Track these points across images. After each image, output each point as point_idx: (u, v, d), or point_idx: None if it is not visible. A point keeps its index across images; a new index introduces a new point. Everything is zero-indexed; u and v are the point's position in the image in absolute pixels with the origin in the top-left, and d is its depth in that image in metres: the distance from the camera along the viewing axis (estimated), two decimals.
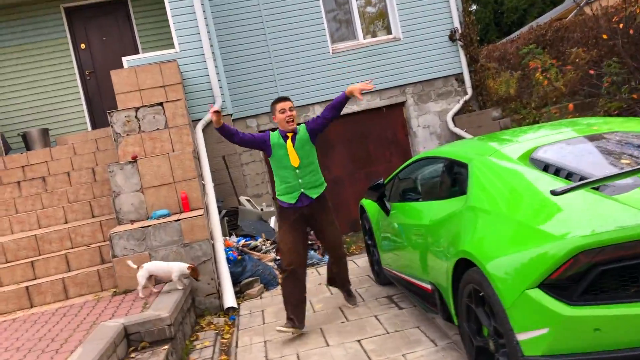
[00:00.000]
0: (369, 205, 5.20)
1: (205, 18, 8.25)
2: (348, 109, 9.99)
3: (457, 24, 10.42)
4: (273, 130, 4.53)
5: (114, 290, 5.32)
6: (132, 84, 7.43)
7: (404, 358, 3.54)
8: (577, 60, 9.98)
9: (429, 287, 3.59)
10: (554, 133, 3.50)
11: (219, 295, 5.37)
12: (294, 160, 4.28)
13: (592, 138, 3.20)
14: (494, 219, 2.73)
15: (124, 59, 8.09)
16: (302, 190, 4.31)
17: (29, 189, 7.35)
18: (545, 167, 2.91)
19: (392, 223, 4.41)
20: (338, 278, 4.76)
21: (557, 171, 2.82)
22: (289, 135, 4.34)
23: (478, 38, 10.99)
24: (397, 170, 4.78)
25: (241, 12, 9.60)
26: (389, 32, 10.52)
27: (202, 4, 8.27)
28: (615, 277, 2.13)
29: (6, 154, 8.53)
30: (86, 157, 7.78)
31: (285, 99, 4.39)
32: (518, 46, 12.67)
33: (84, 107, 9.61)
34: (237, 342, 4.45)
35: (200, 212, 5.58)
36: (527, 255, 2.32)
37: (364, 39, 10.40)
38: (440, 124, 10.57)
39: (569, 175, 2.75)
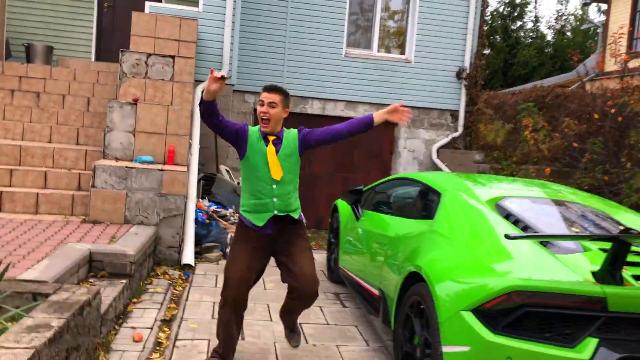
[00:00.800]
0: (342, 206, 5.51)
1: None
2: (344, 113, 10.30)
3: (467, 64, 10.81)
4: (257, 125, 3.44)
5: (84, 217, 5.52)
6: (150, 30, 7.59)
7: (337, 349, 3.86)
8: (566, 129, 10.46)
9: (376, 292, 3.91)
10: (524, 188, 3.86)
11: (179, 250, 5.61)
12: (276, 173, 3.26)
13: (554, 202, 3.56)
14: (451, 246, 3.07)
15: (147, 3, 8.24)
16: (275, 212, 3.31)
17: (21, 99, 7.46)
18: (507, 215, 3.26)
19: (358, 228, 4.73)
20: (292, 316, 3.64)
21: (516, 221, 3.16)
22: (270, 138, 3.30)
23: (483, 82, 11.43)
24: (377, 182, 5.10)
25: None
26: (403, 52, 10.85)
27: None
28: (536, 319, 2.48)
29: (6, 60, 8.59)
30: (85, 85, 7.92)
31: (271, 89, 3.27)
32: (517, 100, 13.17)
33: (94, 36, 9.69)
34: (187, 296, 4.71)
35: (184, 168, 5.82)
36: (470, 283, 2.65)
37: (378, 51, 10.71)
38: (424, 152, 10.95)
39: (525, 228, 3.10)
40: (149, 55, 6.92)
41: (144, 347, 3.60)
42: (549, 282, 2.47)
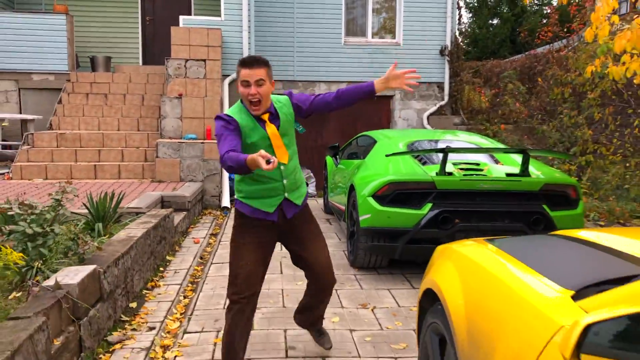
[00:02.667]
0: (329, 160, 7.78)
1: None
2: None
3: (448, 42, 12.81)
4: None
5: (152, 179, 7.96)
6: (185, 40, 9.91)
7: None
8: (542, 93, 12.19)
9: (343, 207, 6.19)
10: (432, 136, 6.06)
11: (219, 197, 8.00)
12: (282, 155, 2.84)
13: (444, 140, 5.76)
14: (368, 169, 5.31)
15: (181, 18, 10.55)
16: (286, 194, 2.93)
17: (94, 100, 9.94)
18: (410, 148, 5.47)
19: (337, 172, 6.99)
20: (314, 314, 3.29)
21: (415, 152, 5.37)
22: (265, 117, 2.82)
23: (463, 57, 13.42)
24: (350, 140, 7.34)
25: None
26: (393, 37, 12.92)
27: None
28: (402, 196, 4.69)
29: (77, 70, 11.08)
30: (138, 85, 10.34)
31: (253, 62, 2.73)
32: (501, 70, 15.04)
33: (140, 45, 12.11)
34: (226, 223, 7.09)
35: None
36: (370, 183, 4.88)
37: (372, 38, 12.81)
38: (417, 119, 13.05)
39: (416, 154, 5.30)
40: (187, 60, 9.27)
41: (200, 245, 5.99)
42: (408, 175, 4.71)
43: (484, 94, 13.57)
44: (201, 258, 5.57)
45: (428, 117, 12.95)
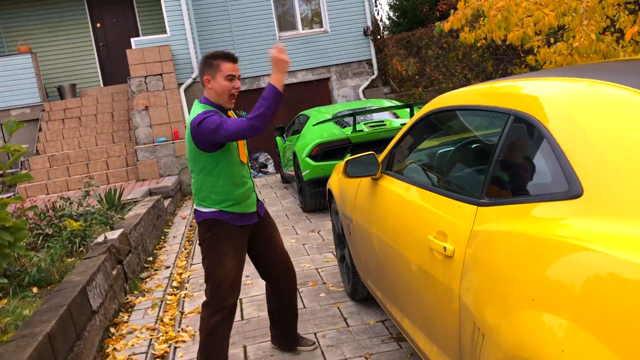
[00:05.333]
0: (278, 139, 9.51)
1: (188, 12, 12.24)
2: (288, 81, 14.20)
3: (369, 23, 14.60)
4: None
5: (136, 179, 9.57)
6: (140, 59, 11.45)
7: (280, 204, 7.90)
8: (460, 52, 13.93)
9: (293, 174, 7.93)
10: (354, 106, 7.87)
11: None
12: (243, 153, 2.95)
13: (362, 109, 7.57)
14: (304, 137, 7.07)
15: (133, 40, 12.06)
16: (254, 192, 3.06)
17: (69, 124, 11.42)
18: (334, 119, 7.25)
19: (286, 147, 8.73)
20: (287, 320, 3.25)
21: (334, 118, 7.13)
22: (231, 114, 2.96)
23: (384, 34, 15.26)
24: (292, 120, 9.08)
25: (214, 6, 13.58)
26: (321, 25, 14.65)
27: (187, 1, 12.24)
28: (330, 152, 6.47)
29: (47, 100, 12.50)
30: (106, 105, 11.85)
31: (235, 58, 2.88)
32: (423, 38, 16.89)
33: (98, 69, 13.56)
34: None
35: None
36: (306, 147, 6.64)
37: (302, 29, 14.52)
38: (354, 95, 14.86)
39: (339, 121, 7.07)
40: (146, 76, 10.84)
41: (187, 219, 7.68)
42: (330, 136, 6.49)
43: (404, 63, 15.38)
44: (190, 226, 7.26)
45: (363, 91, 14.76)
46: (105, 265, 4.28)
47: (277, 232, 3.19)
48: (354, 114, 6.43)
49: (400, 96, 14.03)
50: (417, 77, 14.51)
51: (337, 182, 3.80)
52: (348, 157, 2.87)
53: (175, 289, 4.82)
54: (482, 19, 5.86)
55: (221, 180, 2.84)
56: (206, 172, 2.83)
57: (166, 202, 7.98)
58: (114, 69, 13.40)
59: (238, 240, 2.92)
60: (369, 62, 14.84)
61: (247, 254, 3.05)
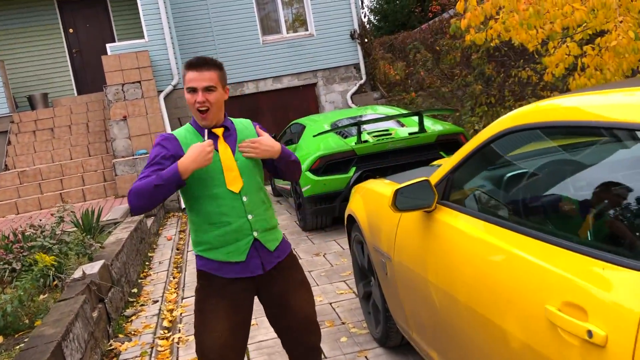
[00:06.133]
0: None
1: (167, 15, 11.55)
2: (273, 87, 13.58)
3: (356, 27, 14.07)
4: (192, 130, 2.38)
5: (114, 195, 8.85)
6: (116, 66, 10.72)
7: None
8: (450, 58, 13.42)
9: (288, 187, 7.30)
10: (353, 113, 7.27)
11: (178, 201, 8.97)
12: (233, 181, 2.26)
13: (360, 115, 6.98)
14: (302, 149, 6.45)
15: (108, 46, 11.33)
16: (255, 234, 2.30)
17: (41, 136, 10.63)
18: (333, 127, 6.65)
19: None
20: None
21: (336, 128, 6.54)
22: (218, 132, 2.31)
23: (372, 37, 14.73)
24: (284, 129, 8.46)
25: (194, 9, 12.90)
26: (306, 29, 14.07)
27: (165, 4, 11.55)
28: (332, 166, 5.87)
29: (16, 111, 11.68)
30: (80, 115, 11.09)
31: (202, 64, 2.25)
32: (412, 40, 16.42)
33: (72, 77, 12.77)
34: None
35: None
36: (306, 161, 6.03)
37: (287, 33, 13.92)
38: (341, 100, 14.29)
39: (340, 131, 6.48)
40: (123, 84, 10.12)
41: (173, 240, 6.99)
42: (332, 149, 5.88)
43: (394, 67, 14.88)
44: (177, 249, 6.59)
45: (351, 97, 14.20)
46: (84, 309, 3.61)
47: (299, 289, 2.40)
48: (358, 123, 5.84)
49: (389, 101, 13.51)
50: (408, 81, 14.00)
51: (362, 207, 3.19)
52: (396, 186, 2.26)
53: (166, 331, 4.16)
54: (499, 14, 5.34)
55: (194, 215, 2.31)
56: (185, 205, 2.39)
57: (149, 222, 7.28)
58: (89, 77, 12.63)
59: (230, 296, 2.27)
60: (356, 66, 14.29)
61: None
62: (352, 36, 14.08)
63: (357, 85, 14.26)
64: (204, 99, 2.22)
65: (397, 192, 2.19)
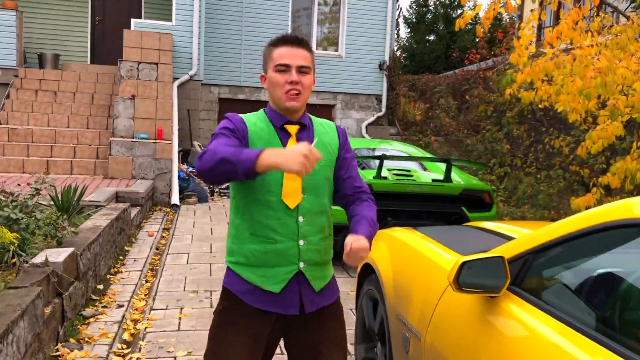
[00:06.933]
0: None
1: (200, 4, 11.10)
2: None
3: (386, 58, 13.70)
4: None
5: (104, 175, 8.29)
6: (137, 43, 10.24)
7: None
8: (471, 109, 13.00)
9: None
10: (372, 144, 6.79)
11: (169, 195, 8.42)
12: (292, 194, 1.83)
13: (381, 148, 6.50)
14: None
15: (133, 21, 10.87)
16: (301, 265, 1.85)
17: (43, 97, 10.09)
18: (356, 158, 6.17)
19: None
20: None
21: (355, 157, 6.05)
22: (291, 129, 1.90)
23: (400, 73, 14.37)
24: None
25: (228, 5, 12.48)
26: (336, 49, 13.68)
27: None
28: None
29: (24, 66, 11.15)
30: (88, 84, 10.57)
31: (295, 40, 1.89)
32: (435, 84, 16.08)
33: (89, 44, 12.27)
34: (177, 219, 7.55)
35: (169, 141, 8.61)
36: None
37: (316, 49, 13.51)
38: (356, 128, 13.86)
39: (358, 161, 5.99)
40: (139, 62, 9.63)
41: (155, 237, 6.43)
42: None
43: (418, 107, 14.49)
44: (157, 249, 6.02)
45: (367, 127, 13.77)
46: (35, 305, 3.04)
47: (337, 349, 1.93)
48: (382, 157, 5.35)
49: (404, 139, 13.06)
50: (431, 123, 13.56)
51: (388, 261, 2.68)
52: (462, 258, 1.74)
53: (124, 345, 3.59)
54: (557, 75, 4.91)
55: (237, 218, 1.91)
56: (231, 200, 1.96)
57: (133, 212, 6.72)
58: (106, 48, 12.15)
59: (255, 331, 1.86)
60: (378, 97, 13.90)
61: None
62: (380, 67, 13.70)
63: (375, 116, 13.85)
64: (299, 80, 1.83)
65: (463, 265, 1.68)
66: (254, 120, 1.91)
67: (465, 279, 1.69)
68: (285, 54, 1.85)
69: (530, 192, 8.45)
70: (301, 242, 1.83)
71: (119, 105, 8.82)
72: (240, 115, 1.93)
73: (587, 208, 6.61)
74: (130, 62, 9.62)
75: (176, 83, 10.81)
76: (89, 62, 12.12)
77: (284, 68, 1.84)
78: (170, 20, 11.21)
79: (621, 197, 8.49)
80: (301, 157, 1.54)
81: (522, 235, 1.92)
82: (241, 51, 12.63)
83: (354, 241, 1.70)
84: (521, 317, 1.65)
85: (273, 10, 12.83)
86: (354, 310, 4.36)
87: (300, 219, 1.83)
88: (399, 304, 2.39)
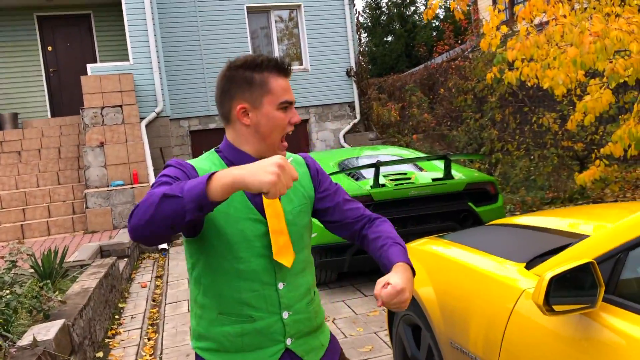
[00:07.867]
0: None
1: (155, 39, 10.76)
2: None
3: (353, 64, 13.48)
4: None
5: (84, 231, 7.83)
6: (97, 88, 9.84)
7: None
8: (444, 101, 12.87)
9: None
10: (360, 152, 6.48)
11: None
12: (283, 249, 1.44)
13: (370, 155, 6.19)
14: None
15: (89, 66, 10.46)
16: (288, 342, 1.50)
17: (7, 159, 9.61)
18: (341, 167, 5.84)
19: None
20: None
21: (344, 169, 5.74)
22: None
23: (368, 76, 14.17)
24: None
25: (183, 34, 12.14)
26: (301, 63, 13.42)
27: (154, 27, 10.78)
28: None
29: None
30: (52, 139, 10.12)
31: (289, 70, 1.51)
32: (402, 83, 15.91)
33: (47, 98, 11.82)
34: (168, 264, 7.13)
35: (147, 184, 8.19)
36: None
37: None
38: (334, 139, 13.58)
39: (351, 173, 5.67)
40: (102, 107, 9.22)
41: (148, 288, 6.01)
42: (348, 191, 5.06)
43: (394, 108, 14.28)
44: (153, 301, 5.61)
45: (344, 136, 13.50)
46: None
47: None
48: (377, 164, 5.04)
49: (384, 142, 12.83)
50: (409, 122, 13.35)
51: (427, 280, 2.34)
52: (547, 273, 1.42)
53: None
54: (547, 51, 4.68)
55: (199, 294, 1.50)
56: (189, 272, 1.54)
57: (121, 265, 6.30)
58: (65, 99, 11.71)
59: None
60: (351, 104, 13.66)
61: None
62: (348, 74, 13.48)
63: (351, 124, 13.59)
64: (298, 119, 1.51)
65: (552, 281, 1.35)
66: (207, 166, 1.48)
67: (556, 297, 1.37)
68: (287, 87, 1.49)
69: (524, 175, 8.24)
70: (285, 315, 1.48)
71: (88, 155, 8.39)
72: (189, 160, 1.50)
73: (593, 182, 6.40)
74: (93, 108, 9.21)
75: (144, 122, 10.41)
76: (49, 116, 11.67)
77: (288, 105, 1.48)
78: (128, 59, 10.83)
79: (629, 166, 8.23)
80: (273, 166, 1.15)
81: (603, 230, 1.60)
82: (205, 79, 12.29)
83: (387, 294, 1.33)
84: (626, 330, 1.33)
85: (231, 33, 12.54)
86: (379, 334, 4.03)
87: (280, 285, 1.47)
88: (453, 330, 2.06)
